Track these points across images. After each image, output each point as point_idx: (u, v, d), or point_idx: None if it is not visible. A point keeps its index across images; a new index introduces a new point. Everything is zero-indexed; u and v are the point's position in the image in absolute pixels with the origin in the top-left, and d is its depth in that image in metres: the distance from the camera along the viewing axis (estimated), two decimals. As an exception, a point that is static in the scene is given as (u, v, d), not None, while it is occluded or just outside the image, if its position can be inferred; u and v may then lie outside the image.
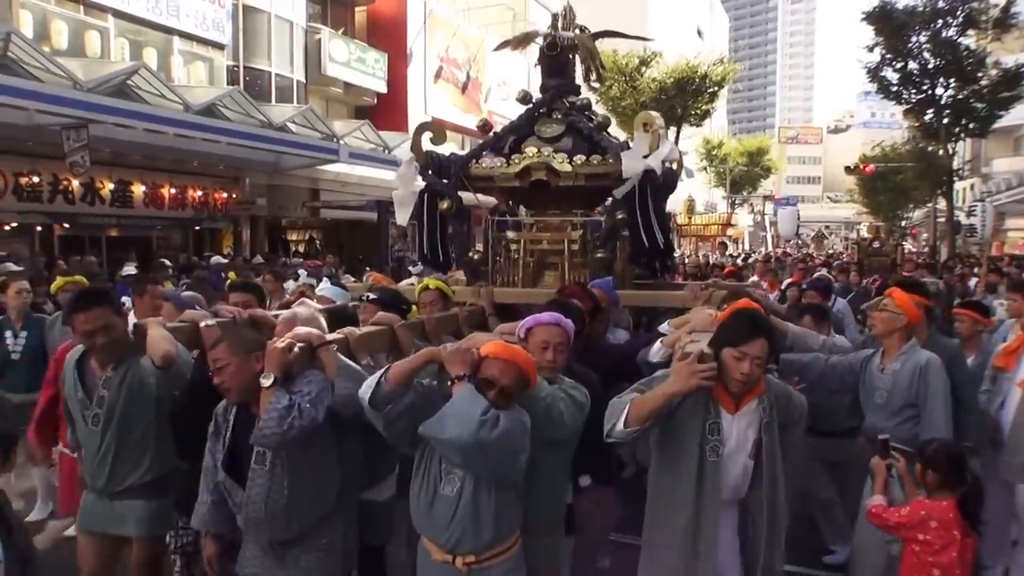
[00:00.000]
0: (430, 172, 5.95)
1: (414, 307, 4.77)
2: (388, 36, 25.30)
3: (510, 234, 6.10)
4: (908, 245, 41.18)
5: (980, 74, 26.98)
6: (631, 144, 5.59)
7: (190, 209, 17.69)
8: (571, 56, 6.07)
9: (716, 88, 33.47)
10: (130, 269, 11.80)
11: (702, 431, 3.10)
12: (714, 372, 3.01)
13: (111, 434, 3.57)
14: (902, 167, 38.79)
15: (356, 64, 23.44)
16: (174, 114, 13.62)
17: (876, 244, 23.45)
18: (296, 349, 3.14)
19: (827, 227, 70.55)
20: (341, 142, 17.72)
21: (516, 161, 5.70)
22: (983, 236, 23.64)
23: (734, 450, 3.13)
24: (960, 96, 27.18)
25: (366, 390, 2.94)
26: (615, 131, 6.79)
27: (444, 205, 5.85)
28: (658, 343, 3.89)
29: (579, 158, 5.60)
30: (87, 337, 3.52)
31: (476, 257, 5.99)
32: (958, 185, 37.79)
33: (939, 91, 27.14)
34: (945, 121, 27.79)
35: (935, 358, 4.32)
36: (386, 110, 24.56)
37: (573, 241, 5.78)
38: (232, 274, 12.22)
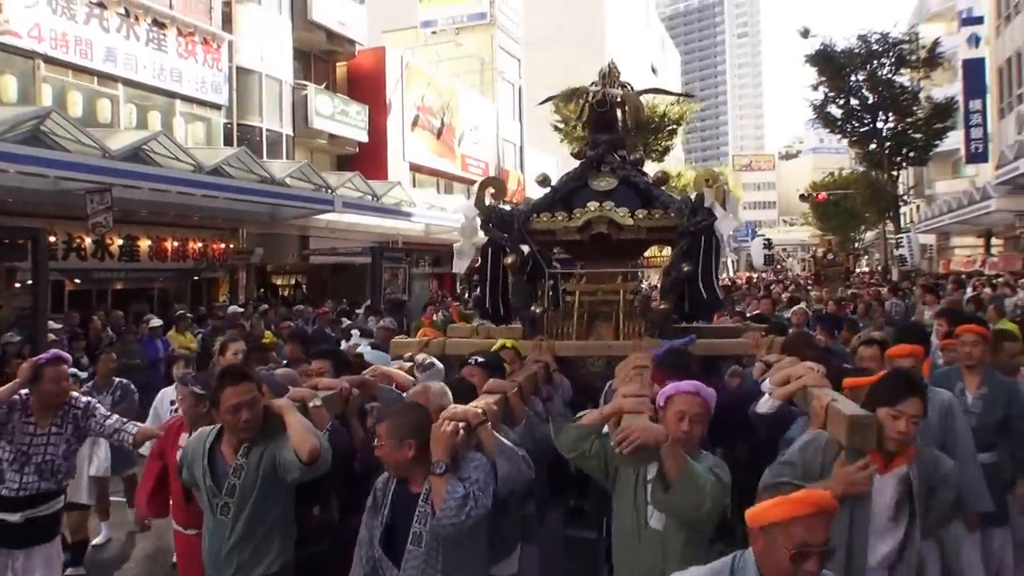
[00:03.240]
0: (491, 225, 6.01)
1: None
2: (367, 88, 26.47)
3: (565, 286, 6.15)
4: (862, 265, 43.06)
5: (915, 108, 29.04)
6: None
7: (190, 260, 18.50)
8: (617, 111, 6.24)
9: (674, 126, 35.14)
10: (155, 321, 12.59)
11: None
12: (875, 471, 3.02)
13: (241, 525, 3.43)
14: (850, 193, 40.78)
15: (340, 116, 24.56)
16: (190, 175, 14.57)
17: (830, 256, 25.22)
18: (461, 432, 3.16)
19: (784, 250, 72.44)
20: (334, 193, 18.77)
21: (578, 215, 5.75)
22: (913, 264, 25.35)
23: (878, 511, 3.11)
24: (899, 128, 29.14)
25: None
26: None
27: (509, 260, 5.85)
28: (766, 396, 3.92)
29: (640, 212, 5.69)
30: (233, 412, 3.42)
31: (538, 311, 5.91)
32: (904, 208, 39.85)
33: (879, 124, 29.07)
34: (887, 151, 29.71)
35: (952, 396, 4.32)
36: (367, 158, 25.60)
37: (628, 292, 5.84)
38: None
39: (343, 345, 7.91)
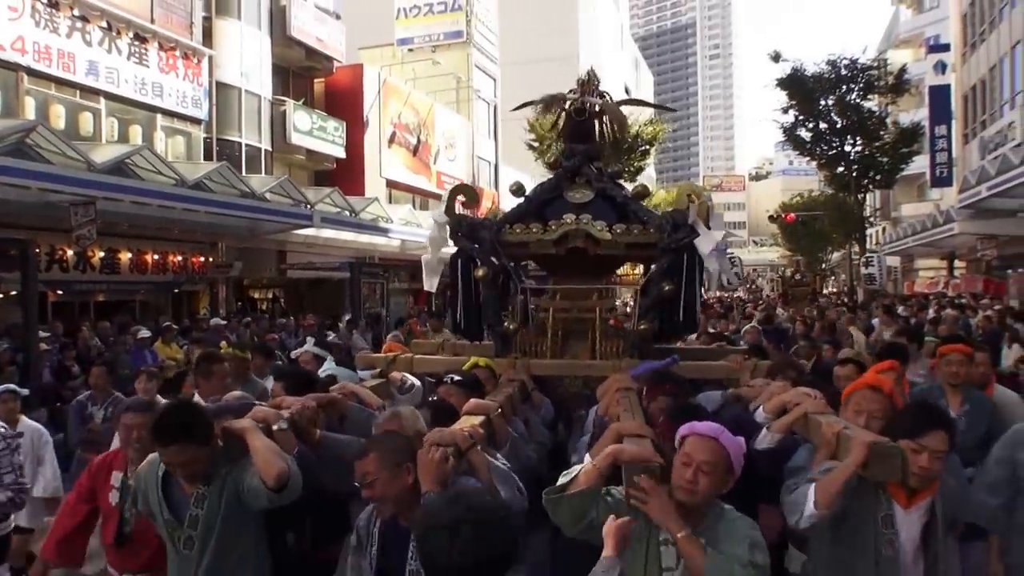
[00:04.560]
0: (460, 235, 5.73)
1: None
2: (345, 105, 26.89)
3: (538, 302, 5.94)
4: (829, 285, 44.14)
5: (882, 132, 29.92)
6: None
7: (171, 273, 18.76)
8: (596, 122, 6.00)
9: (648, 146, 35.79)
10: (143, 332, 12.85)
11: (876, 525, 3.00)
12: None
13: (208, 559, 3.14)
14: (819, 214, 41.81)
15: (318, 132, 24.93)
16: (177, 190, 14.84)
17: (798, 276, 26.04)
18: (452, 459, 2.90)
19: (755, 270, 73.40)
20: (313, 208, 19.10)
21: (553, 228, 5.45)
22: (881, 284, 26.12)
23: (904, 545, 3.02)
24: (866, 152, 29.95)
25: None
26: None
27: (480, 272, 5.51)
28: (765, 430, 3.77)
29: (618, 226, 5.43)
30: (170, 467, 3.18)
31: (512, 327, 5.62)
32: (870, 230, 40.85)
33: (847, 148, 29.83)
34: (854, 174, 30.52)
35: None
36: (344, 174, 25.96)
37: (604, 310, 5.62)
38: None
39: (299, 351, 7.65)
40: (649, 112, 39.26)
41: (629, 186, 6.21)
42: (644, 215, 5.61)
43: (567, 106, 5.93)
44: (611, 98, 6.17)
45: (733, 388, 4.86)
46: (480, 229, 5.70)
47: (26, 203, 13.34)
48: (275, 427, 3.31)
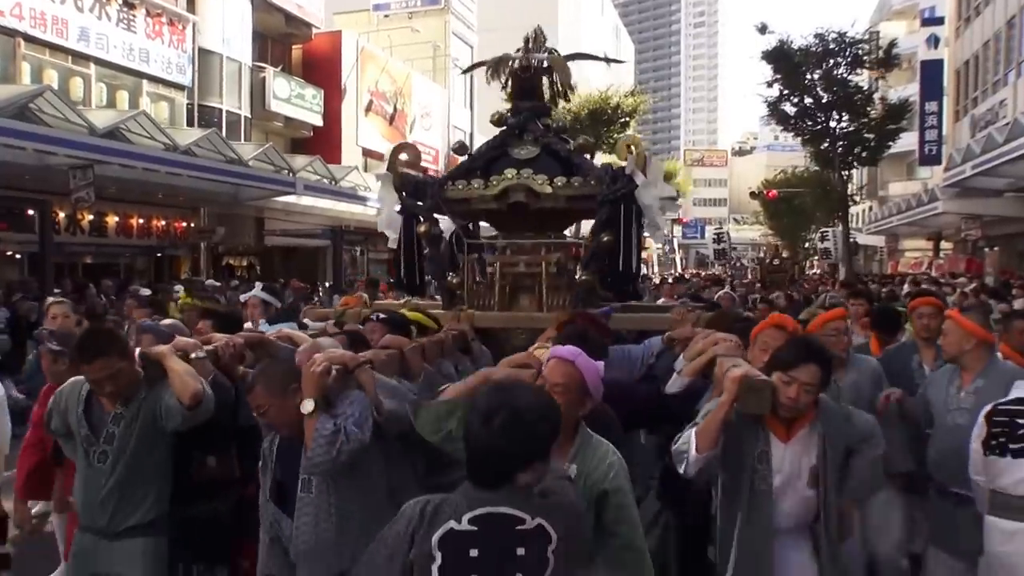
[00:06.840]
0: (404, 194, 6.01)
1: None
2: (323, 72, 28.32)
3: (486, 257, 6.32)
4: (814, 266, 45.83)
5: (869, 108, 31.17)
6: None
7: (154, 237, 20.26)
8: (542, 78, 6.25)
9: (627, 118, 37.10)
10: (144, 291, 14.23)
11: (752, 462, 3.21)
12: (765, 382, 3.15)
13: (119, 472, 3.56)
14: (802, 192, 43.22)
15: (296, 100, 26.39)
16: (166, 154, 16.23)
17: (776, 261, 27.58)
18: (334, 372, 3.14)
19: (735, 248, 75.10)
20: (296, 176, 20.53)
21: (494, 183, 5.68)
22: (836, 258, 27.55)
23: (788, 479, 3.22)
24: (852, 128, 31.15)
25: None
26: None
27: (422, 228, 5.88)
28: (676, 374, 3.96)
29: (559, 180, 5.63)
30: (96, 385, 3.54)
31: (455, 281, 5.97)
32: (856, 208, 42.21)
33: (833, 124, 31.08)
34: (839, 150, 31.86)
35: (877, 363, 4.93)
36: (321, 142, 27.38)
37: (550, 264, 5.87)
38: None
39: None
40: (630, 83, 40.55)
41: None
42: (587, 168, 5.88)
43: (512, 64, 6.17)
44: (558, 53, 6.44)
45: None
46: (423, 186, 6.03)
47: (25, 166, 14.61)
48: (193, 355, 3.69)
